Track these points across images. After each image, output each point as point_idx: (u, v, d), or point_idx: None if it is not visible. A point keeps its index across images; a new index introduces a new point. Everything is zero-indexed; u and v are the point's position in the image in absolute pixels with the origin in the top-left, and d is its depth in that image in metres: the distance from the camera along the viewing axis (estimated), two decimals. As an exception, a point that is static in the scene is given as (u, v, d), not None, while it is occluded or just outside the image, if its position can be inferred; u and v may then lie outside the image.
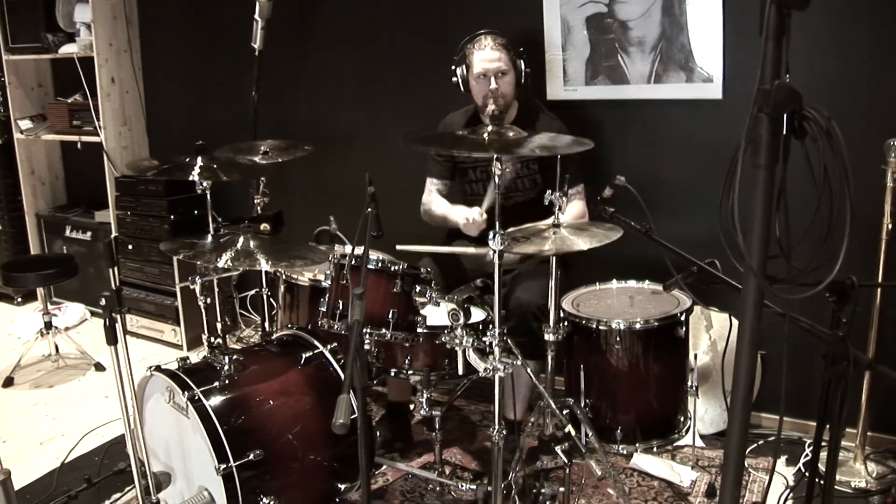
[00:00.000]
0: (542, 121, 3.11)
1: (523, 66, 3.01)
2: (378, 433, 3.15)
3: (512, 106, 3.08)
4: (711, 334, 3.24)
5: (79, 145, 4.84)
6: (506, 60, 2.95)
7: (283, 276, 3.21)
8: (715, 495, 2.80)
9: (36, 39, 4.83)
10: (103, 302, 2.14)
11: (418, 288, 2.44)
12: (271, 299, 3.79)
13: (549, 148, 2.32)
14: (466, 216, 2.93)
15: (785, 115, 1.18)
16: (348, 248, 2.91)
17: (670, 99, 3.26)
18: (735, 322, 2.96)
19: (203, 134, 3.30)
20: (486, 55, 2.94)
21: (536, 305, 2.76)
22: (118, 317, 2.16)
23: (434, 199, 3.26)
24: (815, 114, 1.16)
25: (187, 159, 3.16)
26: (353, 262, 2.54)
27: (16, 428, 3.60)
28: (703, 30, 3.11)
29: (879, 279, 2.75)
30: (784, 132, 1.20)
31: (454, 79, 3.06)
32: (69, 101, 4.92)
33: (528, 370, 2.42)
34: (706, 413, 3.23)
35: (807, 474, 2.74)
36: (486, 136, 2.25)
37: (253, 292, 4.62)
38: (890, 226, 2.71)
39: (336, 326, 2.55)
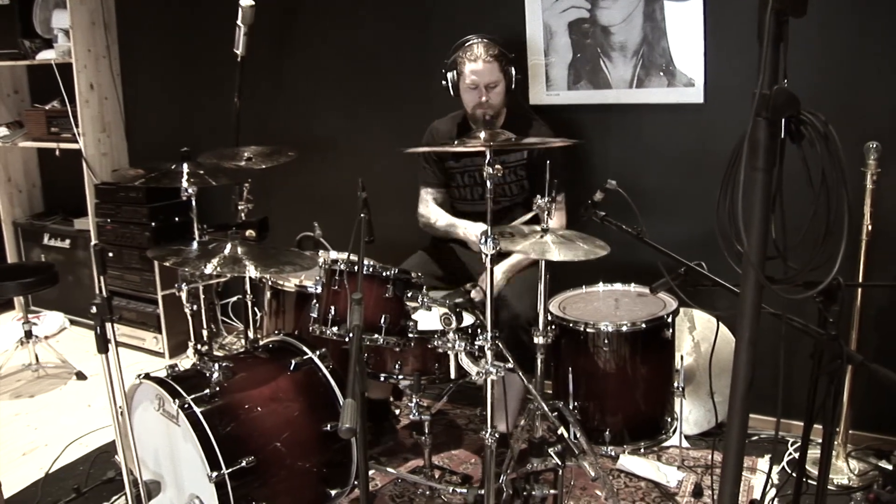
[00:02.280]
0: (533, 126, 3.15)
1: (514, 72, 3.03)
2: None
3: (501, 112, 3.11)
4: (695, 336, 3.28)
5: (57, 152, 4.79)
6: (497, 72, 2.97)
7: (269, 283, 3.20)
8: (702, 495, 2.83)
9: (12, 46, 4.77)
10: (94, 310, 2.13)
11: (409, 293, 2.45)
12: (254, 306, 3.78)
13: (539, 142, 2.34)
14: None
15: (783, 120, 1.21)
16: (334, 254, 2.91)
17: (652, 103, 3.30)
18: (721, 324, 3.00)
19: (183, 140, 3.28)
20: (477, 67, 2.95)
21: (526, 319, 2.78)
22: (109, 324, 2.15)
23: (432, 211, 3.26)
24: (812, 118, 1.19)
25: (173, 166, 3.14)
26: (346, 267, 2.55)
27: (-3, 439, 3.56)
28: (683, 35, 3.16)
29: (860, 279, 2.80)
30: (781, 136, 1.22)
31: (444, 83, 3.07)
32: (47, 107, 4.87)
33: (520, 373, 2.43)
34: (690, 414, 3.27)
35: (793, 474, 2.79)
36: (481, 136, 2.26)
37: (234, 299, 4.60)
38: (869, 227, 2.76)
39: (328, 332, 2.55)
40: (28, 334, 4.16)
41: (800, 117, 1.20)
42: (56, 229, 4.99)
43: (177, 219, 4.46)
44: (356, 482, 2.69)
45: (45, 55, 4.68)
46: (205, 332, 3.22)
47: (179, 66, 4.66)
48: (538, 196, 2.43)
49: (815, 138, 1.19)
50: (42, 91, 5.07)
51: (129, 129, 4.92)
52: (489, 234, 2.15)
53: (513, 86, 3.04)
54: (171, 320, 4.41)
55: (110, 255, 4.52)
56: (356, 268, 2.46)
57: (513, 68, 3.03)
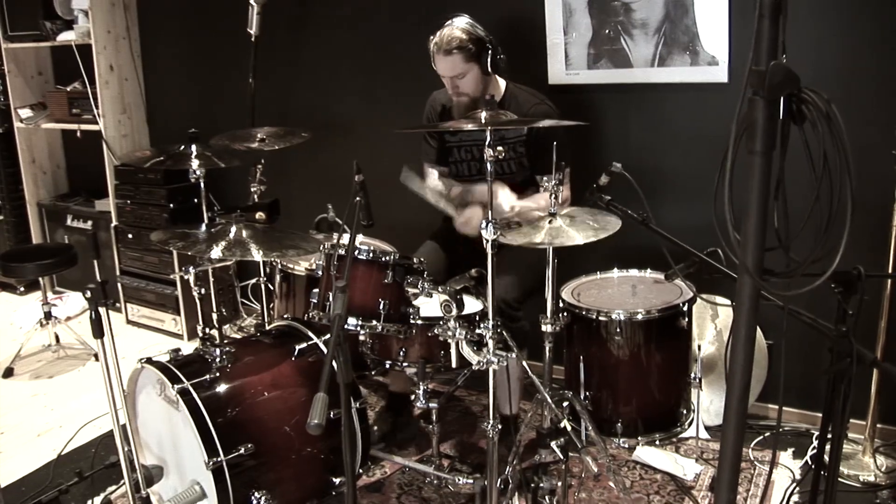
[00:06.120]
0: (522, 97, 3.00)
1: (488, 55, 2.83)
2: (376, 427, 3.11)
3: (490, 87, 2.96)
4: (717, 324, 3.17)
5: (78, 133, 4.79)
6: (461, 64, 2.80)
7: (280, 266, 3.15)
8: (719, 489, 2.74)
9: (35, 27, 4.78)
10: (88, 294, 2.10)
11: (410, 279, 2.38)
12: (271, 288, 3.74)
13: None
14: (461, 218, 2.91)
15: (782, 98, 1.11)
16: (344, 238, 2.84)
17: (674, 82, 3.17)
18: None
19: (203, 121, 3.24)
20: (439, 62, 2.84)
21: (504, 301, 2.69)
22: (104, 310, 2.12)
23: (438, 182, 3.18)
24: (813, 96, 1.08)
25: (181, 147, 3.11)
26: (343, 251, 2.48)
27: (14, 419, 3.57)
28: (708, 11, 3.02)
29: (889, 269, 2.66)
30: (781, 116, 1.12)
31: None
32: (68, 89, 4.87)
33: (523, 361, 2.36)
34: (711, 404, 3.16)
35: (812, 467, 2.68)
36: (482, 116, 2.16)
37: (254, 281, 4.57)
38: (901, 213, 2.63)
39: (326, 318, 2.50)
40: (47, 315, 4.17)
41: (801, 96, 1.10)
42: (78, 210, 5.01)
43: (195, 200, 4.42)
44: (360, 470, 2.65)
45: (66, 36, 4.67)
46: (214, 316, 3.19)
47: (200, 47, 4.61)
48: (544, 179, 2.34)
49: (816, 118, 1.09)
50: (65, 72, 5.07)
51: (149, 110, 4.90)
52: (489, 219, 2.06)
53: (489, 68, 2.85)
54: (189, 302, 4.40)
55: (129, 236, 4.53)
56: (356, 253, 2.39)
57: (483, 51, 2.82)
